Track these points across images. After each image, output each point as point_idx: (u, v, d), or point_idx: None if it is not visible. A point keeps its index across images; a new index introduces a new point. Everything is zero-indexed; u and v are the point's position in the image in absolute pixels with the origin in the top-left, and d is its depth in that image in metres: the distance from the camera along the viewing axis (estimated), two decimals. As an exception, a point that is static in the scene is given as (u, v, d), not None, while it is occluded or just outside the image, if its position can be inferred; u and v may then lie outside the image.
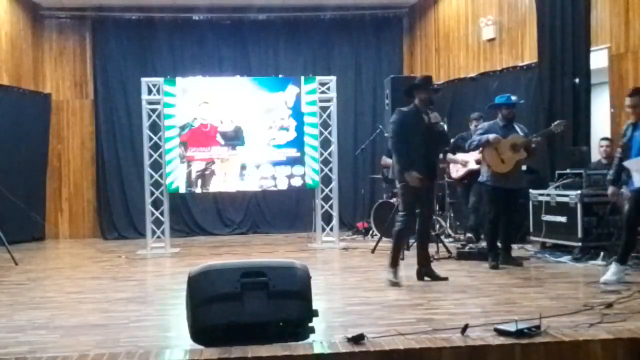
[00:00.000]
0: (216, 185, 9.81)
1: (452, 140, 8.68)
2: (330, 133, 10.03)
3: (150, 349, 4.07)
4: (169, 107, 9.60)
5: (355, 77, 12.45)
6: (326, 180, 10.07)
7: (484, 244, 8.01)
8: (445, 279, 6.60)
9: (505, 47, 10.31)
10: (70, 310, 5.64)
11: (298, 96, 9.78)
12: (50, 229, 11.80)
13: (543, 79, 9.19)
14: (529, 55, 9.71)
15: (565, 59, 8.90)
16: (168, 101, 9.60)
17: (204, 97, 9.72)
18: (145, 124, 9.76)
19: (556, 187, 8.21)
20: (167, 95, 9.60)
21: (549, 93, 9.06)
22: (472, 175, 8.77)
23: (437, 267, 7.53)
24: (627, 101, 6.48)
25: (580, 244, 7.69)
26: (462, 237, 9.39)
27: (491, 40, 10.50)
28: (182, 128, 9.65)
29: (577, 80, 8.73)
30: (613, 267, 6.23)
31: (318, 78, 10.05)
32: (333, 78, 10.10)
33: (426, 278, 6.66)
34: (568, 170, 8.28)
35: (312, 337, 4.08)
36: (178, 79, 9.78)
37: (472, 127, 8.97)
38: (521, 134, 7.46)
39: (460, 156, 9.22)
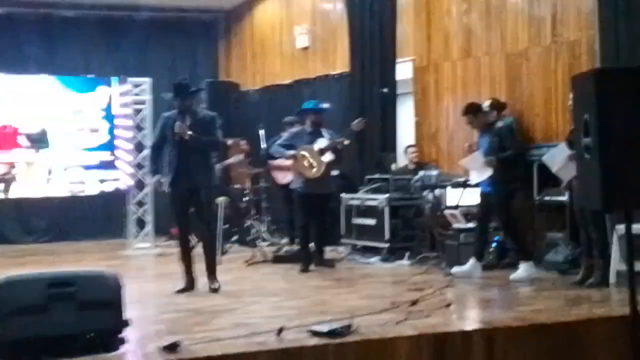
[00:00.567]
0: (19, 191, 9.20)
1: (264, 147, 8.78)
2: (144, 136, 9.76)
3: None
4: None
5: (171, 80, 12.15)
6: (140, 185, 9.79)
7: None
8: None
9: (318, 55, 10.62)
10: None
11: (110, 98, 9.43)
12: None
13: (354, 87, 9.58)
14: (340, 64, 10.08)
15: (374, 69, 9.33)
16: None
17: (5, 96, 9.09)
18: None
19: (365, 192, 8.57)
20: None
21: (359, 101, 9.45)
22: None
23: (253, 271, 7.62)
24: (464, 120, 6.98)
25: (387, 245, 8.08)
26: (281, 240, 9.52)
27: (305, 48, 10.77)
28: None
29: (384, 90, 9.19)
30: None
31: (131, 79, 9.75)
32: (148, 80, 9.85)
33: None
34: (376, 176, 8.68)
35: (123, 347, 3.94)
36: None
37: (286, 133, 9.12)
38: (327, 137, 7.57)
39: (282, 162, 9.29)
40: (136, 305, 5.58)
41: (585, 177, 3.81)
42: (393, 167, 8.90)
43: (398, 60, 9.20)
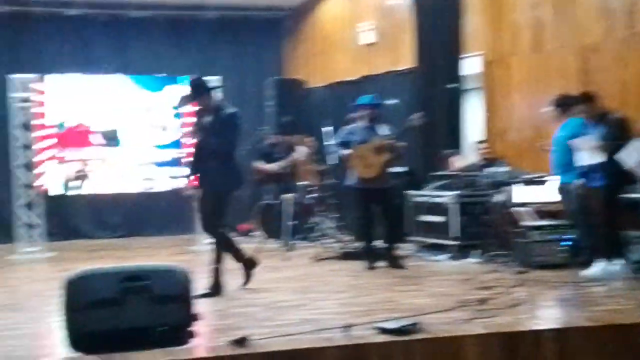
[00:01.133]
0: (93, 187, 9.48)
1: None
2: (212, 134, 9.89)
3: (25, 359, 3.88)
4: (39, 106, 9.16)
5: (239, 78, 12.35)
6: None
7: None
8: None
9: (384, 51, 10.56)
10: None
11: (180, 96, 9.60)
12: None
13: (420, 83, 9.48)
14: (407, 59, 9.99)
15: (441, 65, 9.22)
16: (39, 99, 9.16)
17: (80, 96, 9.37)
18: (15, 123, 9.28)
19: (432, 188, 8.49)
20: (37, 94, 9.15)
21: (425, 97, 9.34)
22: None
23: (321, 268, 7.64)
24: (548, 112, 6.81)
25: (455, 242, 7.97)
26: (347, 237, 9.52)
27: (371, 44, 10.73)
28: (56, 127, 9.25)
29: (451, 85, 9.08)
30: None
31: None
32: (218, 78, 9.98)
33: None
34: (443, 172, 8.59)
35: (193, 341, 4.02)
36: (50, 77, 9.37)
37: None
38: (386, 133, 7.44)
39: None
40: (205, 300, 5.70)
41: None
42: (456, 163, 8.75)
43: (466, 55, 9.07)
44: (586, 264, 6.56)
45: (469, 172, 8.39)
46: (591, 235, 6.57)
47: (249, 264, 6.37)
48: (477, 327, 4.35)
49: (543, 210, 7.18)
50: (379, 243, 7.66)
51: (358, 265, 7.56)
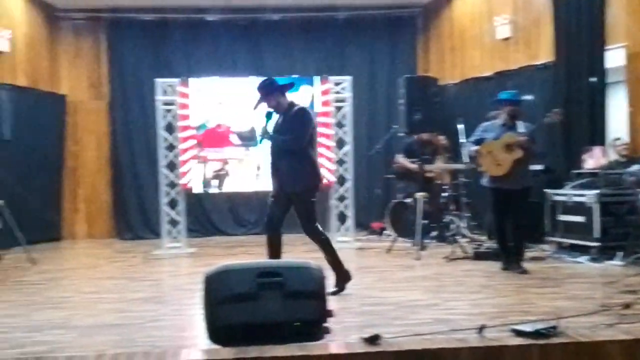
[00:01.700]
0: (231, 186, 9.84)
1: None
2: (345, 133, 10.02)
3: (167, 349, 4.08)
4: (183, 108, 9.65)
5: (370, 77, 12.43)
6: (341, 180, 10.06)
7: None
8: None
9: (520, 46, 10.25)
10: (87, 310, 5.67)
11: (312, 96, 9.79)
12: (67, 229, 11.88)
13: (559, 78, 9.14)
14: (544, 54, 9.66)
15: (581, 58, 8.84)
16: (182, 102, 9.64)
17: (218, 98, 9.76)
18: (160, 124, 9.82)
19: (573, 187, 8.16)
20: (181, 96, 9.64)
21: (565, 92, 9.00)
22: None
23: (453, 267, 7.53)
24: None
25: (597, 243, 7.62)
26: (481, 237, 9.35)
27: (506, 39, 10.45)
28: (197, 129, 9.69)
29: (593, 79, 8.67)
30: None
31: (332, 78, 10.05)
32: (348, 78, 10.09)
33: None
34: (584, 170, 8.22)
35: (327, 337, 4.08)
36: (192, 80, 9.82)
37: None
38: (524, 131, 7.07)
39: None
40: (338, 297, 5.78)
41: None
42: (592, 161, 8.34)
43: (608, 47, 8.63)
44: None
45: (610, 170, 7.98)
46: None
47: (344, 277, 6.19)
48: (620, 333, 4.12)
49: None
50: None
51: (492, 265, 7.38)
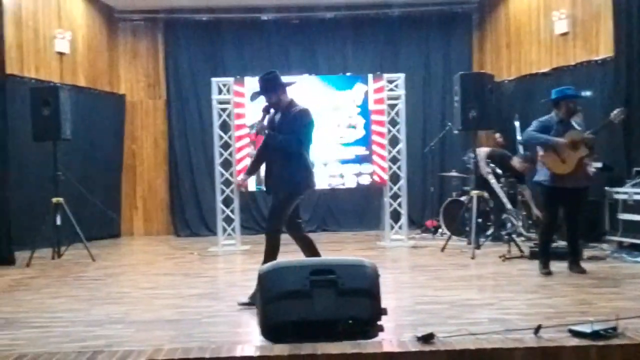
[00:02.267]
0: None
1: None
2: (398, 131, 9.97)
3: (222, 345, 4.13)
4: (238, 106, 9.75)
5: (424, 74, 12.35)
6: (394, 178, 10.02)
7: (559, 242, 7.76)
8: None
9: (579, 41, 10.03)
10: (145, 306, 5.79)
11: (366, 94, 9.77)
12: (125, 226, 12.15)
13: (619, 73, 8.91)
14: (603, 49, 9.43)
15: (642, 53, 8.61)
16: (237, 101, 9.74)
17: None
18: (216, 123, 9.95)
19: (633, 185, 7.95)
20: (236, 95, 9.74)
21: (626, 88, 8.77)
22: None
23: (509, 267, 7.42)
24: None
25: (660, 243, 7.43)
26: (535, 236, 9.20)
27: (564, 34, 10.23)
28: (252, 127, 9.74)
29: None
30: None
31: (386, 75, 10.01)
32: (401, 75, 10.04)
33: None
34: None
35: (381, 335, 4.07)
36: (247, 79, 9.90)
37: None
38: (579, 128, 6.91)
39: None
40: (392, 295, 5.76)
41: None
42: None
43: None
44: None
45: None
46: None
47: None
48: (685, 336, 4.01)
49: None
50: (562, 244, 7.30)
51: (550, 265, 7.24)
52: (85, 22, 11.41)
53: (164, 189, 12.32)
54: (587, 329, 3.95)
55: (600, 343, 3.83)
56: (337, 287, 4.01)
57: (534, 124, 7.01)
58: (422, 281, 6.70)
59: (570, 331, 4.02)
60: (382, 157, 9.79)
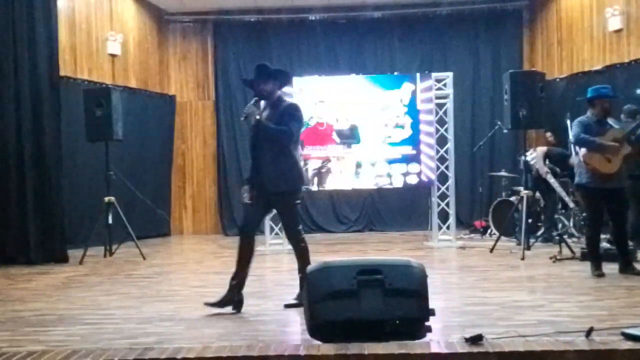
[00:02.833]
0: (332, 183, 9.92)
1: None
2: (446, 130, 9.89)
3: (269, 343, 4.16)
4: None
5: (473, 73, 12.23)
6: (442, 178, 9.94)
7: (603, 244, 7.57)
8: None
9: (633, 37, 9.80)
10: (195, 304, 5.85)
11: (413, 93, 9.72)
12: (175, 225, 12.33)
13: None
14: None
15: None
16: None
17: (320, 96, 9.85)
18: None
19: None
20: (284, 95, 9.77)
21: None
22: None
23: (560, 268, 7.30)
24: None
25: None
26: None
27: (618, 31, 10.01)
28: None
29: None
30: None
31: (434, 74, 9.94)
32: (449, 74, 9.96)
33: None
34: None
35: (428, 336, 4.04)
36: (295, 79, 9.93)
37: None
38: (617, 127, 6.76)
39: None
40: (440, 296, 5.72)
41: None
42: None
43: None
44: None
45: None
46: None
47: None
48: None
49: None
50: (607, 245, 7.17)
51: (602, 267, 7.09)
52: (136, 24, 11.62)
53: (212, 188, 12.47)
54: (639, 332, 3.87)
55: (655, 347, 3.75)
56: (384, 287, 4.00)
57: (577, 125, 6.83)
58: (470, 282, 6.63)
59: (623, 334, 3.93)
60: (430, 156, 9.73)
